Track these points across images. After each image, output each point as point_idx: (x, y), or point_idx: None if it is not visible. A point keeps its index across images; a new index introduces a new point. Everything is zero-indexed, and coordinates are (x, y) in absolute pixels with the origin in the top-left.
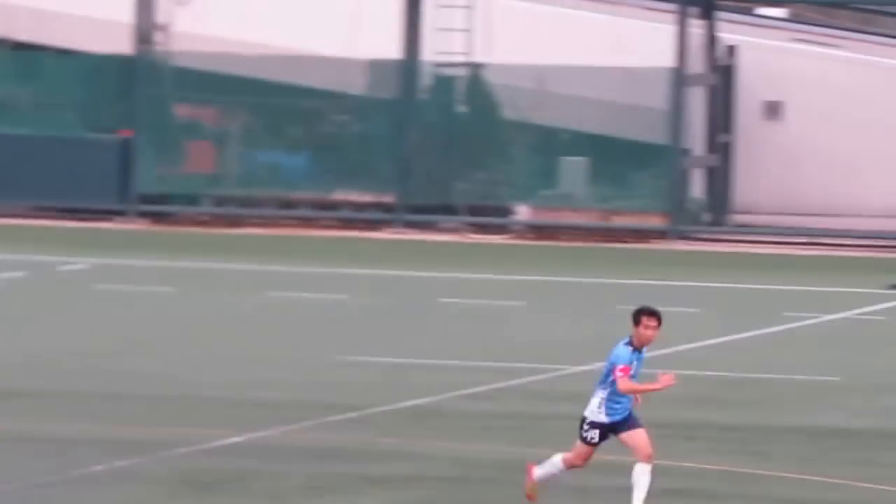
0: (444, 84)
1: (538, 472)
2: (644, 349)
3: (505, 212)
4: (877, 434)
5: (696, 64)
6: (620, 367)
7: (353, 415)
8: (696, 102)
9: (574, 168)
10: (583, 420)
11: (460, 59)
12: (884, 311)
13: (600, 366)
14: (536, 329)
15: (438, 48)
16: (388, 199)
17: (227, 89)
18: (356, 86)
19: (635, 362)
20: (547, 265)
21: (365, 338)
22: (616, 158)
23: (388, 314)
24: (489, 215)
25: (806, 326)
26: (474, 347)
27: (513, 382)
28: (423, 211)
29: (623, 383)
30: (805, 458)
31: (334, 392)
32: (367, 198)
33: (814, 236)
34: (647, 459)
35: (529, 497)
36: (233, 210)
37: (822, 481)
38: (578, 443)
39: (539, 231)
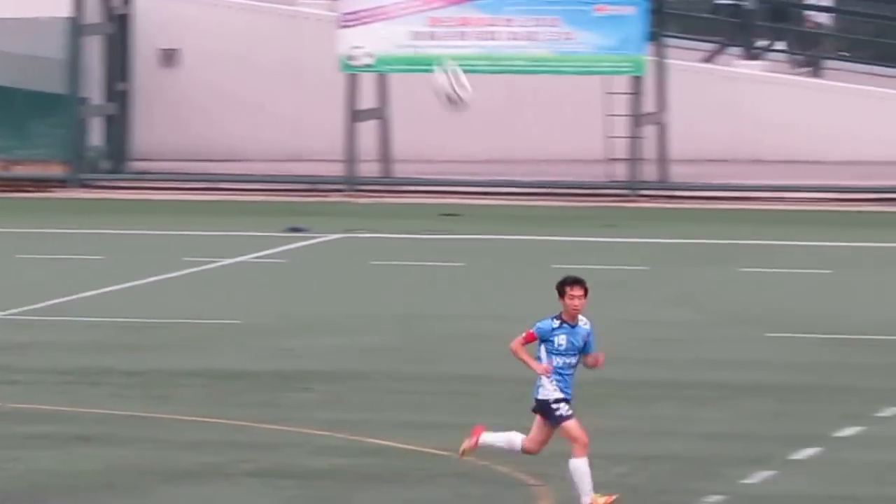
0: None
1: (487, 438)
2: (584, 323)
3: None
4: (277, 376)
5: (94, 13)
6: (527, 330)
7: None
8: (94, 51)
9: None
10: (545, 403)
11: None
12: (282, 253)
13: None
14: None
15: None
16: None
17: None
18: None
19: (565, 336)
20: None
21: None
22: (15, 108)
23: None
24: None
25: (206, 271)
26: None
27: None
28: None
29: (515, 343)
30: (208, 400)
31: None
32: None
33: (213, 182)
34: (584, 449)
35: (462, 453)
36: None
37: (225, 423)
38: (536, 430)
39: None
